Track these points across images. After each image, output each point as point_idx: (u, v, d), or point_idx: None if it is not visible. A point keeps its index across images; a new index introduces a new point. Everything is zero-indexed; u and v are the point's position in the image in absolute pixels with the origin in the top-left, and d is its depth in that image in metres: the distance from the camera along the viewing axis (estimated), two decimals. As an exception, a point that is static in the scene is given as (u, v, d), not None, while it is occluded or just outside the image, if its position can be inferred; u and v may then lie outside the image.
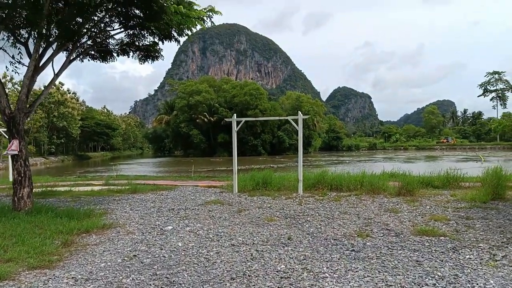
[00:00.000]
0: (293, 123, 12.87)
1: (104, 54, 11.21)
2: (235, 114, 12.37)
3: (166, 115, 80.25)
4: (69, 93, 68.87)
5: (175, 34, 10.52)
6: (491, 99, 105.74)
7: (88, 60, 11.53)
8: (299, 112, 12.61)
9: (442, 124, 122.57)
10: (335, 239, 6.77)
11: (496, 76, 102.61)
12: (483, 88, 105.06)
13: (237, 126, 12.70)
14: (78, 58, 10.98)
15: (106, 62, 11.44)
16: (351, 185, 12.65)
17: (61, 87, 65.66)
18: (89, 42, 10.83)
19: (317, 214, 8.99)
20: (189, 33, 10.63)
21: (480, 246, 6.21)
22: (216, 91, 76.24)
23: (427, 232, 7.07)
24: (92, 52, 11.31)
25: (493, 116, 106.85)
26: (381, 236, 6.92)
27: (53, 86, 56.84)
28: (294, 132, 70.59)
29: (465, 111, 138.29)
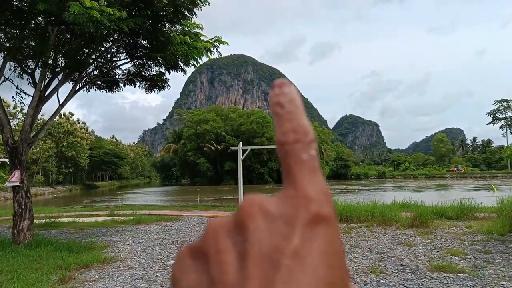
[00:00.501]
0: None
1: (110, 84, 11.14)
2: (240, 143, 12.17)
3: (174, 144, 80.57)
4: (79, 123, 69.49)
5: (182, 64, 10.44)
6: (500, 127, 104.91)
7: (95, 90, 11.46)
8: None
9: (452, 152, 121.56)
10: (346, 276, 6.39)
11: (505, 104, 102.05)
12: (492, 116, 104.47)
13: (243, 154, 12.47)
14: (85, 88, 10.91)
15: (113, 92, 11.38)
16: (362, 216, 12.26)
17: (71, 117, 66.28)
18: (95, 72, 10.77)
19: (327, 247, 8.60)
20: (196, 63, 10.54)
21: (502, 284, 5.80)
22: (223, 119, 76.68)
23: (445, 268, 6.68)
24: (99, 82, 11.25)
25: (503, 144, 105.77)
26: (396, 273, 6.53)
27: (62, 116, 57.27)
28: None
29: (474, 139, 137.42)
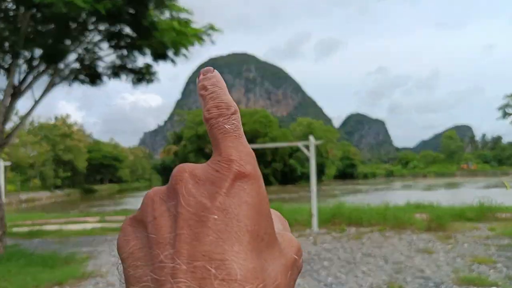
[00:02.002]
0: (303, 149, 11.58)
1: (93, 77, 10.19)
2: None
3: (175, 146, 79.67)
4: (76, 125, 68.75)
5: (171, 54, 9.48)
6: (511, 122, 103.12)
7: (78, 84, 10.52)
8: (310, 137, 11.32)
9: (462, 150, 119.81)
10: (359, 294, 5.39)
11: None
12: (502, 111, 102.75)
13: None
14: (65, 82, 9.97)
15: (96, 86, 10.42)
16: (373, 219, 11.22)
17: (67, 120, 65.59)
18: (75, 65, 9.84)
19: (335, 256, 7.59)
20: (187, 53, 9.58)
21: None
22: (224, 120, 75.59)
23: (474, 280, 5.65)
24: (81, 76, 10.32)
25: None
26: (418, 287, 5.51)
27: (59, 119, 56.30)
28: (306, 159, 69.10)
29: (483, 135, 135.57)
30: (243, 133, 0.34)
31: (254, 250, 0.28)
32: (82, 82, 10.48)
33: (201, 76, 0.37)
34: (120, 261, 0.31)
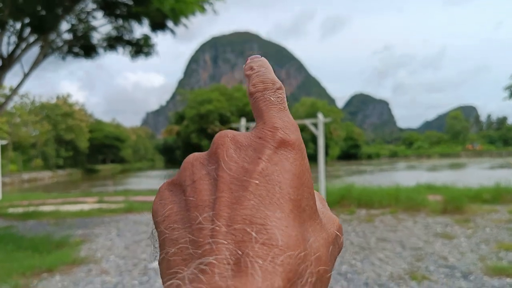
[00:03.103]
0: (311, 127, 10.96)
1: (87, 49, 9.53)
2: (243, 118, 10.53)
3: (177, 126, 78.98)
4: (77, 105, 68.09)
5: (170, 24, 8.79)
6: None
7: (72, 57, 9.87)
8: (319, 114, 10.68)
9: (467, 130, 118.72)
10: (379, 284, 4.83)
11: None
12: (508, 91, 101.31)
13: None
14: (58, 55, 9.32)
15: (91, 59, 9.76)
16: (384, 200, 10.66)
17: (69, 99, 64.93)
18: (68, 36, 9.17)
19: (347, 241, 7.04)
20: (187, 23, 8.89)
21: None
22: (228, 99, 74.63)
23: (506, 270, 5.08)
24: (75, 49, 9.66)
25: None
26: (443, 278, 4.95)
27: (60, 98, 55.88)
28: (310, 140, 68.45)
29: (489, 116, 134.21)
30: (288, 108, 0.33)
31: (297, 218, 0.27)
32: (76, 55, 9.84)
33: (249, 60, 0.39)
34: (154, 227, 0.30)
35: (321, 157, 10.64)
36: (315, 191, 0.36)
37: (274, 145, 0.29)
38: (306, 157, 0.31)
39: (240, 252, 0.24)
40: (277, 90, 0.34)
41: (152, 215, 0.31)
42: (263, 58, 0.39)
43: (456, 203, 9.52)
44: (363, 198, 10.90)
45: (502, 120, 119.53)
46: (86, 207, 12.74)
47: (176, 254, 0.26)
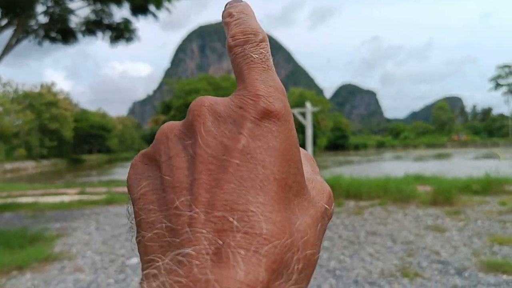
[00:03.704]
0: (299, 117, 10.66)
1: (65, 34, 9.04)
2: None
3: (163, 115, 78.05)
4: (61, 94, 66.84)
5: (152, 8, 8.35)
6: (505, 93, 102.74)
7: (49, 42, 9.38)
8: (307, 103, 10.39)
9: (452, 121, 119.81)
10: (370, 282, 4.57)
11: (507, 69, 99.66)
12: (494, 82, 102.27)
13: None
14: (34, 39, 8.82)
15: (69, 44, 9.28)
16: (372, 191, 10.43)
17: (53, 88, 63.68)
18: (43, 20, 8.67)
19: (336, 235, 6.78)
20: (170, 7, 8.46)
21: None
22: (215, 89, 73.85)
23: (502, 266, 4.85)
24: (52, 33, 9.17)
25: (503, 112, 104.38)
26: (437, 275, 4.71)
27: (44, 86, 54.65)
28: (298, 130, 68.02)
29: (474, 106, 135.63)
30: (273, 66, 0.30)
31: (282, 200, 0.24)
32: (54, 39, 9.33)
33: (227, 5, 0.34)
34: (130, 202, 0.28)
35: (309, 147, 10.37)
36: (304, 151, 0.34)
37: (256, 116, 0.26)
38: (293, 128, 0.28)
39: (220, 242, 0.22)
40: (260, 43, 0.30)
41: (128, 190, 0.29)
42: (244, 2, 0.34)
43: (446, 195, 9.32)
44: (352, 189, 10.66)
45: (487, 111, 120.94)
46: (66, 198, 12.32)
47: (153, 240, 0.25)
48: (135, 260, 5.75)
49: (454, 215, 8.01)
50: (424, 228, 7.01)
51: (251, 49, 0.29)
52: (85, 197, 12.28)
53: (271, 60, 0.30)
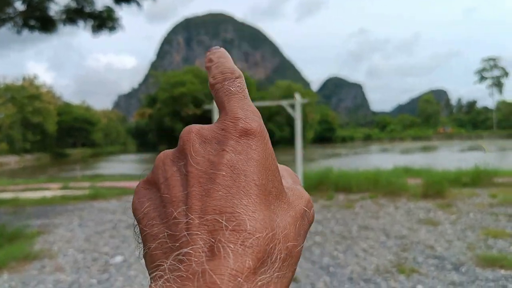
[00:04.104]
0: (288, 109, 10.43)
1: (44, 23, 8.68)
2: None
3: (149, 109, 77.06)
4: (44, 86, 65.54)
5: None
6: (490, 86, 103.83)
7: (28, 30, 9.01)
8: (296, 95, 10.17)
9: (438, 113, 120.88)
10: (365, 279, 4.39)
11: (492, 62, 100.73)
12: (478, 75, 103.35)
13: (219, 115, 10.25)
14: (12, 28, 8.46)
15: (48, 33, 8.92)
16: (362, 184, 10.30)
17: (35, 80, 62.41)
18: (20, 7, 8.30)
19: (328, 230, 6.60)
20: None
21: None
22: (202, 82, 72.92)
23: (498, 261, 4.72)
24: (31, 21, 8.80)
25: (487, 104, 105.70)
26: (434, 271, 4.55)
27: (26, 79, 53.64)
28: (285, 123, 68.09)
29: (459, 99, 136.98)
30: (248, 95, 0.35)
31: (263, 202, 0.29)
32: (32, 28, 8.96)
33: (208, 53, 0.39)
34: (136, 223, 0.32)
35: (298, 139, 10.15)
36: (286, 167, 0.40)
37: (236, 135, 0.31)
38: (269, 142, 0.32)
39: (213, 240, 0.26)
40: (236, 79, 0.35)
41: (133, 213, 0.33)
42: (221, 49, 0.40)
43: (436, 187, 9.22)
44: (341, 182, 10.52)
45: (472, 104, 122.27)
46: (49, 194, 11.95)
47: (157, 249, 0.28)
48: (119, 258, 5.49)
49: (446, 208, 7.90)
50: (416, 222, 6.88)
51: (229, 84, 0.35)
52: (68, 192, 11.93)
53: (247, 91, 0.35)
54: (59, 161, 55.29)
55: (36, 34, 9.32)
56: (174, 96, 68.16)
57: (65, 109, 74.84)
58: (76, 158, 64.22)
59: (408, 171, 12.34)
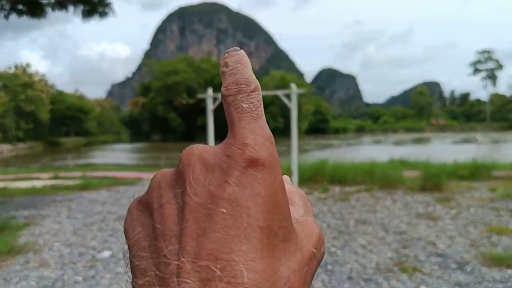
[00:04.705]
0: (284, 99, 10.15)
1: (32, 7, 8.32)
2: (210, 89, 9.58)
3: (143, 98, 76.33)
4: (37, 75, 64.59)
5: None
6: (483, 78, 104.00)
7: (16, 15, 8.65)
8: (292, 85, 9.89)
9: (431, 105, 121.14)
10: (366, 279, 4.18)
11: (486, 55, 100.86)
12: (473, 67, 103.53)
13: (214, 104, 9.96)
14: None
15: (37, 18, 8.56)
16: (358, 177, 10.10)
17: (28, 68, 61.46)
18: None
19: (324, 224, 6.39)
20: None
21: None
22: (195, 71, 72.20)
23: (504, 260, 4.53)
24: (19, 6, 8.44)
25: (480, 97, 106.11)
26: (437, 270, 4.35)
27: (19, 67, 52.94)
28: (279, 114, 67.80)
29: (452, 92, 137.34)
30: (263, 114, 0.31)
31: (265, 248, 0.25)
32: (20, 12, 8.60)
33: (225, 55, 0.35)
34: (127, 247, 0.30)
35: (294, 130, 9.89)
36: (299, 191, 0.36)
37: (242, 165, 0.27)
38: (280, 173, 0.28)
39: None
40: (251, 93, 0.31)
41: (125, 235, 0.30)
42: (240, 51, 0.35)
43: (434, 180, 9.04)
44: (337, 174, 10.32)
45: (465, 96, 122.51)
46: (39, 183, 11.65)
47: (144, 287, 0.26)
48: (107, 253, 5.24)
49: (444, 202, 7.72)
50: (415, 216, 6.68)
51: (242, 98, 0.30)
52: (58, 182, 11.62)
53: (262, 108, 0.31)
54: (52, 150, 54.63)
55: (29, 21, 9.00)
56: (168, 85, 67.51)
57: (58, 97, 73.89)
58: (69, 147, 63.56)
59: (405, 164, 12.16)
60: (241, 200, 0.26)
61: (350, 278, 4.21)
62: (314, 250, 0.29)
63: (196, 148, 0.29)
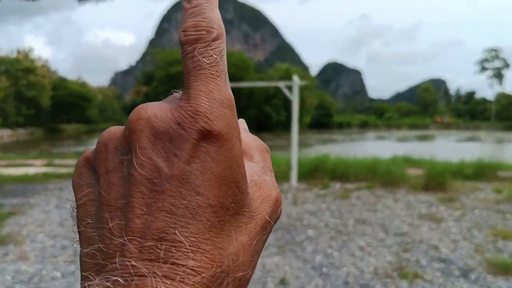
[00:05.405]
0: (285, 91, 9.84)
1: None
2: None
3: (145, 86, 75.94)
4: (39, 60, 64.29)
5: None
6: (490, 77, 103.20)
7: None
8: (294, 77, 9.57)
9: (436, 102, 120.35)
10: (362, 285, 3.89)
11: (494, 53, 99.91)
12: (479, 65, 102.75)
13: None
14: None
15: (32, 0, 8.26)
16: (360, 173, 9.79)
17: (30, 54, 61.11)
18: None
19: (322, 223, 6.09)
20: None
21: None
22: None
23: (511, 268, 4.24)
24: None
25: (486, 95, 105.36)
26: (439, 277, 4.06)
27: (21, 52, 52.59)
28: (282, 107, 67.30)
29: (458, 89, 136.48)
30: (225, 69, 0.27)
31: (214, 226, 0.24)
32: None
33: None
34: (74, 204, 0.28)
35: (294, 123, 9.58)
36: (256, 139, 0.33)
37: (194, 137, 0.24)
38: (237, 144, 0.25)
39: (147, 272, 0.22)
40: (212, 43, 0.26)
41: (73, 192, 0.28)
42: None
43: (438, 179, 8.73)
44: (338, 170, 10.00)
45: (470, 94, 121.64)
46: (32, 170, 11.38)
47: (88, 256, 0.25)
48: (91, 247, 4.97)
49: (448, 202, 7.41)
50: (418, 217, 6.38)
51: (201, 50, 0.26)
52: (52, 170, 11.36)
53: (224, 62, 0.27)
54: (53, 136, 54.49)
55: (33, 6, 8.69)
56: (171, 75, 67.09)
57: (60, 84, 73.53)
58: (70, 134, 63.46)
59: (408, 161, 11.81)
60: (190, 177, 0.23)
61: (346, 283, 3.93)
62: (268, 218, 0.27)
63: (145, 110, 0.25)
